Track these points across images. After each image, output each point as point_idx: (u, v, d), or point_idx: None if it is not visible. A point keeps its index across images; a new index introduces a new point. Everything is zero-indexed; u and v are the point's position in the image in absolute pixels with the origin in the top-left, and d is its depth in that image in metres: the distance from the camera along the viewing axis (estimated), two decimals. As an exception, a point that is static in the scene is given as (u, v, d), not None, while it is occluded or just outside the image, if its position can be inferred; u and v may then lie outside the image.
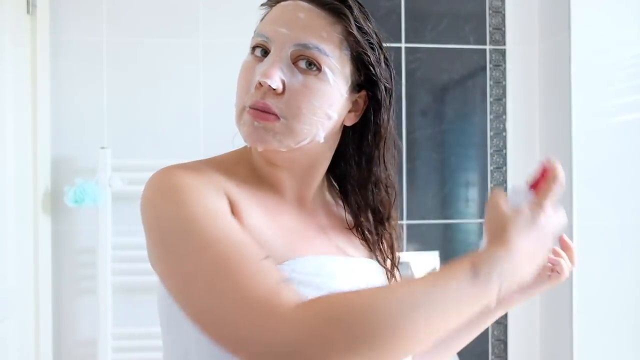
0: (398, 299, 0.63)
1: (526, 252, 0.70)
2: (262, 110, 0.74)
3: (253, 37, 0.79)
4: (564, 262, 0.87)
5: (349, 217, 0.89)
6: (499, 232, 0.70)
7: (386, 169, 0.86)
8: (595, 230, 1.89)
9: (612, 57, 1.91)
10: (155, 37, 2.00)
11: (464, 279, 0.65)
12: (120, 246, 1.92)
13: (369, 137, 0.84)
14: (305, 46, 0.74)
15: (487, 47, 2.11)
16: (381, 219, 0.89)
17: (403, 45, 2.07)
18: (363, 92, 0.81)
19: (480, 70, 2.12)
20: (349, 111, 0.81)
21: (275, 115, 0.74)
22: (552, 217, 0.73)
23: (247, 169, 0.82)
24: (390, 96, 0.83)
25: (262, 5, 0.82)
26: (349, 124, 0.83)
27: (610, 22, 1.91)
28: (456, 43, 2.10)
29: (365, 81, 0.81)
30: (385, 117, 0.83)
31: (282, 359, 0.61)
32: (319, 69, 0.75)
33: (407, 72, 2.08)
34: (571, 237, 1.88)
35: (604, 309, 1.89)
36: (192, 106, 2.00)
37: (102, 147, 1.92)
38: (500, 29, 2.12)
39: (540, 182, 0.73)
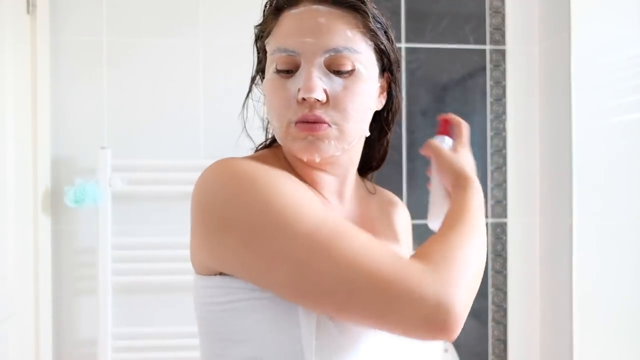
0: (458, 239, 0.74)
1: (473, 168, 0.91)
2: (313, 122, 0.75)
3: (273, 54, 0.78)
4: None
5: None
6: (461, 168, 0.87)
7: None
8: (595, 230, 1.89)
9: (612, 57, 1.91)
10: (155, 37, 2.00)
11: (473, 207, 0.81)
12: (120, 246, 1.92)
13: (388, 112, 0.89)
14: (336, 50, 0.75)
15: (487, 47, 2.11)
16: None
17: (403, 45, 2.07)
18: (386, 74, 0.85)
19: (480, 70, 2.12)
20: (378, 96, 0.85)
21: (327, 123, 0.75)
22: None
23: (287, 169, 0.81)
24: (399, 67, 0.87)
25: (268, 14, 0.81)
26: (379, 107, 0.86)
27: (610, 22, 1.91)
28: (456, 43, 2.10)
29: (385, 64, 0.83)
30: (398, 88, 0.88)
31: (429, 310, 0.65)
32: (353, 69, 0.76)
33: (407, 72, 2.08)
34: (571, 237, 1.89)
35: (604, 309, 1.89)
36: (192, 106, 2.00)
37: (102, 147, 1.92)
38: (500, 29, 2.12)
39: (446, 131, 0.97)
